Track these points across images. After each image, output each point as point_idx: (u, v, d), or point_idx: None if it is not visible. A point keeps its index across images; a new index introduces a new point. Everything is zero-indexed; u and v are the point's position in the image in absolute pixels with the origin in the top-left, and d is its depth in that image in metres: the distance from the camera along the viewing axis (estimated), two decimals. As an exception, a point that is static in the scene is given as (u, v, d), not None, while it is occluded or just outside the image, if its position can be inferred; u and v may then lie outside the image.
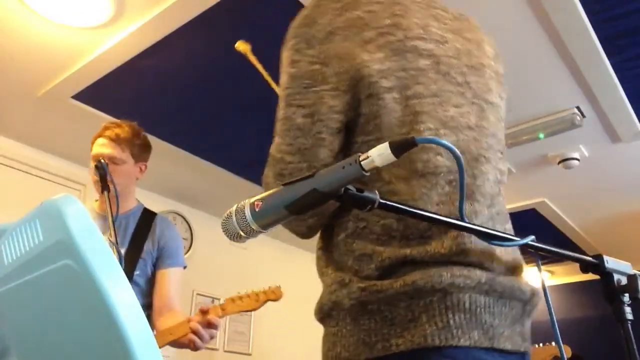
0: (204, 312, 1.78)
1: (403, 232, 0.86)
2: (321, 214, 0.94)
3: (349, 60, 0.92)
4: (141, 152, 2.02)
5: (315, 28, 0.96)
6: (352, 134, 0.93)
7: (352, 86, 0.91)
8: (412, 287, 0.80)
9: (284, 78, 0.96)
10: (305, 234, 0.98)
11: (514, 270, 0.93)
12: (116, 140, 1.93)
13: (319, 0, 1.00)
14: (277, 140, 0.94)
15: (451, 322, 0.80)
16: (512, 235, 0.81)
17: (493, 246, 0.87)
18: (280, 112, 0.95)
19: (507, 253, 0.92)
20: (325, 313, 0.89)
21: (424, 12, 1.01)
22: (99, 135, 1.95)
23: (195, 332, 1.74)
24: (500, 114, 1.04)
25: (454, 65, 0.98)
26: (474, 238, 0.85)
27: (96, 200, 2.04)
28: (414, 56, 0.94)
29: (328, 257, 0.94)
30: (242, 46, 1.51)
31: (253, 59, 1.45)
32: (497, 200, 0.96)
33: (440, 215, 0.79)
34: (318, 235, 1.00)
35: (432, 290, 0.81)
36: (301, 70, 0.94)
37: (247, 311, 1.92)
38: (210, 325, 1.77)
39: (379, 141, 0.86)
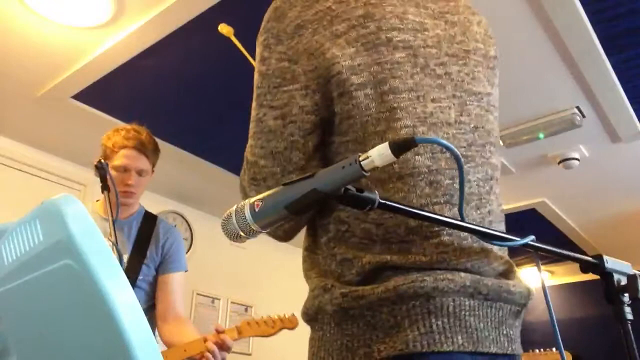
0: (219, 332, 1.78)
1: (383, 236, 0.83)
2: (297, 219, 0.89)
3: (318, 56, 0.87)
4: (157, 158, 2.03)
5: (284, 22, 0.91)
6: (329, 134, 0.90)
7: (323, 84, 0.87)
8: (394, 293, 0.78)
9: (255, 76, 0.92)
10: (282, 238, 0.96)
11: (504, 272, 0.91)
12: (143, 151, 1.92)
13: None
14: (250, 142, 0.92)
15: (434, 327, 0.78)
16: (512, 235, 0.81)
17: (482, 248, 0.86)
18: (253, 113, 0.91)
19: (497, 255, 0.89)
20: (310, 317, 0.88)
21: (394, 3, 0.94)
22: (124, 146, 1.91)
23: (211, 352, 1.74)
24: (491, 102, 0.97)
25: (433, 55, 0.91)
26: (458, 241, 0.83)
27: (97, 201, 2.04)
28: (388, 49, 0.88)
29: (313, 259, 0.92)
30: (225, 29, 1.46)
31: (237, 42, 1.41)
32: (488, 199, 0.90)
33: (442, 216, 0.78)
34: (305, 233, 0.97)
35: (415, 295, 0.78)
36: (271, 68, 0.90)
37: (262, 336, 1.98)
38: (223, 346, 1.77)
39: (355, 141, 0.86)
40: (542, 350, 3.75)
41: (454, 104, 0.91)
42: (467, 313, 0.81)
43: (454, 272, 0.81)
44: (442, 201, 0.84)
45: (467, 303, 0.81)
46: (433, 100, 0.89)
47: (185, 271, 2.06)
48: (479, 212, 0.88)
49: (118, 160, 1.89)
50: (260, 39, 0.93)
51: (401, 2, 0.94)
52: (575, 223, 4.21)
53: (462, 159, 0.84)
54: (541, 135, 2.94)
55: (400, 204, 0.74)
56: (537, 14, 2.15)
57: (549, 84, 2.59)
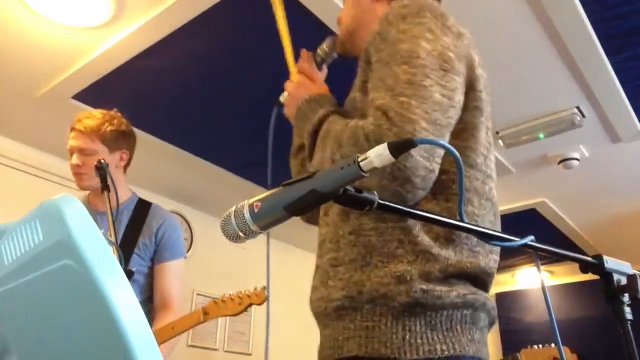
0: None
1: (459, 240, 0.90)
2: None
3: (471, 68, 0.96)
4: (115, 139, 1.97)
5: (448, 21, 0.97)
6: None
7: (466, 92, 0.95)
8: (462, 300, 0.86)
9: (412, 47, 0.90)
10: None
11: None
12: (84, 131, 1.92)
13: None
14: (404, 99, 0.85)
15: (475, 336, 0.88)
16: (512, 236, 0.81)
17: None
18: (412, 77, 0.88)
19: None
20: (357, 304, 0.88)
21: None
22: (71, 129, 1.95)
23: None
24: None
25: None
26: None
27: (88, 192, 2.03)
28: (487, 100, 1.03)
29: (365, 242, 0.91)
30: None
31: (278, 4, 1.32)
32: (490, 196, 1.03)
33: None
34: (343, 217, 0.96)
35: (470, 306, 0.87)
36: (437, 50, 0.91)
37: (231, 315, 1.90)
38: None
39: (470, 149, 0.95)
40: (540, 346, 3.75)
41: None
42: (486, 330, 0.94)
43: (483, 291, 0.93)
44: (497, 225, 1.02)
45: (487, 321, 0.94)
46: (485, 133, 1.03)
47: (184, 258, 1.99)
48: (482, 210, 0.97)
49: (68, 144, 1.94)
50: (415, 19, 0.95)
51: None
52: (575, 223, 4.21)
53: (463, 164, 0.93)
54: (541, 135, 2.94)
55: (397, 204, 0.75)
56: (537, 14, 2.15)
57: (549, 84, 2.59)
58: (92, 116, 1.96)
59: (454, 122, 0.92)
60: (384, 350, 0.83)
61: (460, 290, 0.86)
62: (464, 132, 0.95)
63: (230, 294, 1.90)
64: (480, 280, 0.93)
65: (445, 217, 0.77)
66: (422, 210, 0.77)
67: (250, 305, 1.89)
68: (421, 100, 0.86)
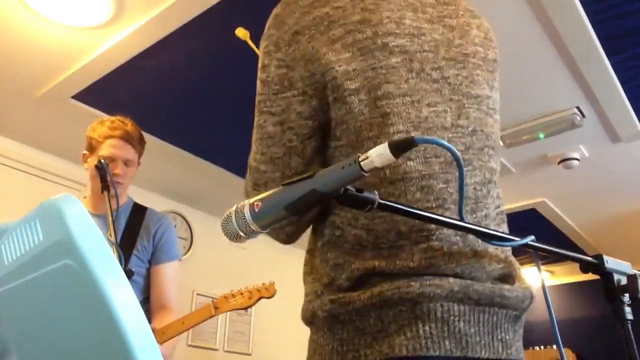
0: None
1: (374, 242, 0.84)
2: (298, 221, 0.93)
3: (314, 62, 0.88)
4: (143, 149, 2.02)
5: (283, 29, 0.92)
6: (327, 138, 0.92)
7: (319, 90, 0.88)
8: (379, 298, 0.80)
9: (257, 84, 0.94)
10: (285, 241, 0.98)
11: (503, 275, 0.90)
12: (129, 140, 1.92)
13: None
14: (252, 148, 0.94)
15: (420, 332, 0.79)
16: (512, 236, 0.81)
17: (474, 252, 0.85)
18: (255, 120, 0.94)
19: (494, 258, 0.88)
20: (307, 320, 0.90)
21: (400, 3, 0.95)
22: (110, 136, 1.91)
23: None
24: (491, 105, 0.97)
25: (429, 60, 0.91)
26: (447, 246, 0.83)
27: (84, 197, 2.04)
28: (384, 54, 0.88)
29: (312, 263, 0.94)
30: (241, 32, 1.47)
31: (253, 46, 1.42)
32: (485, 202, 0.90)
33: (450, 218, 0.79)
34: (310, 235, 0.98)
35: (401, 300, 0.79)
36: (270, 74, 0.91)
37: (241, 309, 1.93)
38: None
39: (350, 146, 0.87)
40: (541, 347, 3.75)
41: (450, 108, 0.91)
42: (457, 318, 0.81)
43: (442, 278, 0.81)
44: (433, 205, 0.85)
45: (456, 308, 0.81)
46: (428, 105, 0.89)
47: (180, 260, 2.03)
48: (474, 215, 0.88)
49: (104, 150, 1.89)
50: (261, 46, 0.95)
51: (399, 7, 0.94)
52: (575, 223, 4.21)
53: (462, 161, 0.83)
54: (541, 135, 2.94)
55: (398, 204, 0.75)
56: (537, 14, 2.15)
57: (549, 84, 2.59)
58: (126, 123, 1.96)
59: (305, 134, 0.89)
60: None
61: (377, 289, 0.80)
62: (335, 130, 0.89)
63: (239, 289, 1.92)
64: (423, 272, 0.82)
65: (439, 216, 0.77)
66: (415, 208, 0.77)
67: (260, 298, 1.92)
68: (259, 142, 0.91)
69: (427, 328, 0.79)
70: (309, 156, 0.90)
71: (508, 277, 0.91)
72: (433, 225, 0.82)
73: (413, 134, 0.85)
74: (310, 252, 0.95)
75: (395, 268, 0.82)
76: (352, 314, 0.82)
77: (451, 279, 0.81)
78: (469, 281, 0.83)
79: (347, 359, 0.81)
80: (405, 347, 0.78)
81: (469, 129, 0.91)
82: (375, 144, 0.77)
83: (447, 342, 0.79)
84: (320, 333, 0.86)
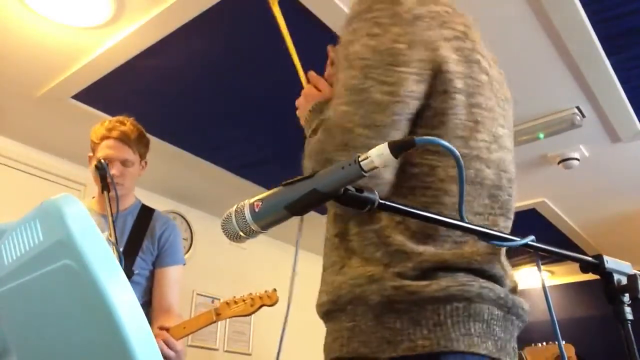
0: (162, 329, 1.75)
1: (437, 233, 0.88)
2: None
3: (432, 50, 0.92)
4: (145, 150, 2.01)
5: (400, 7, 0.94)
6: (413, 124, 0.92)
7: (432, 77, 0.92)
8: (445, 293, 0.83)
9: (358, 47, 0.92)
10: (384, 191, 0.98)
11: (514, 288, 0.98)
12: (125, 141, 1.90)
13: None
14: (344, 108, 0.89)
15: (472, 330, 0.84)
16: (512, 236, 0.81)
17: (504, 263, 0.94)
18: (352, 81, 0.91)
19: (509, 271, 0.97)
20: (339, 306, 0.89)
21: (478, 35, 1.04)
22: (106, 137, 1.90)
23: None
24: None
25: (498, 90, 1.03)
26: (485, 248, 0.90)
27: (93, 198, 2.04)
28: (478, 68, 0.97)
29: (347, 246, 0.93)
30: None
31: (277, 11, 1.32)
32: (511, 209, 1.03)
33: (476, 225, 0.81)
34: (333, 220, 0.98)
35: (461, 298, 0.84)
36: (383, 45, 0.91)
37: (242, 316, 1.92)
38: (168, 345, 1.75)
39: (440, 137, 0.88)
40: (543, 344, 3.74)
41: (508, 135, 1.04)
42: (495, 322, 0.88)
43: (492, 282, 0.88)
44: (498, 213, 0.96)
45: (496, 313, 0.88)
46: (501, 126, 1.00)
47: (183, 264, 2.03)
48: (505, 223, 0.99)
49: (101, 151, 1.89)
50: (367, 15, 0.95)
51: (478, 37, 1.04)
52: (575, 223, 4.21)
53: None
54: (541, 135, 2.94)
55: (406, 205, 0.75)
56: (537, 14, 2.15)
57: (549, 84, 2.59)
58: (126, 124, 1.95)
59: (409, 113, 0.90)
60: (363, 350, 0.84)
61: (443, 283, 0.83)
62: (432, 119, 0.92)
63: (242, 296, 1.92)
64: (478, 269, 0.89)
65: (434, 214, 0.78)
66: (416, 209, 0.77)
67: (262, 306, 1.91)
68: (359, 104, 0.88)
69: (477, 327, 0.85)
70: (405, 134, 0.91)
71: (516, 290, 0.99)
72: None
73: (493, 146, 0.96)
74: (342, 236, 0.94)
75: (463, 260, 0.87)
76: (411, 304, 0.83)
77: (498, 286, 0.89)
78: (506, 289, 0.91)
79: (402, 349, 0.82)
80: (462, 342, 0.82)
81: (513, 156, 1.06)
82: (463, 145, 0.91)
83: (489, 343, 0.86)
84: (361, 320, 0.86)
